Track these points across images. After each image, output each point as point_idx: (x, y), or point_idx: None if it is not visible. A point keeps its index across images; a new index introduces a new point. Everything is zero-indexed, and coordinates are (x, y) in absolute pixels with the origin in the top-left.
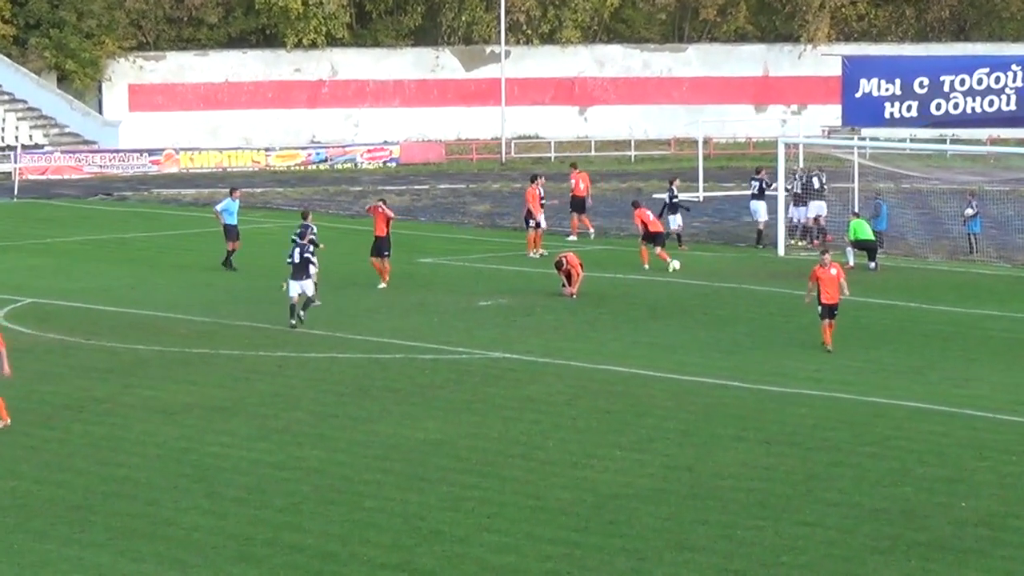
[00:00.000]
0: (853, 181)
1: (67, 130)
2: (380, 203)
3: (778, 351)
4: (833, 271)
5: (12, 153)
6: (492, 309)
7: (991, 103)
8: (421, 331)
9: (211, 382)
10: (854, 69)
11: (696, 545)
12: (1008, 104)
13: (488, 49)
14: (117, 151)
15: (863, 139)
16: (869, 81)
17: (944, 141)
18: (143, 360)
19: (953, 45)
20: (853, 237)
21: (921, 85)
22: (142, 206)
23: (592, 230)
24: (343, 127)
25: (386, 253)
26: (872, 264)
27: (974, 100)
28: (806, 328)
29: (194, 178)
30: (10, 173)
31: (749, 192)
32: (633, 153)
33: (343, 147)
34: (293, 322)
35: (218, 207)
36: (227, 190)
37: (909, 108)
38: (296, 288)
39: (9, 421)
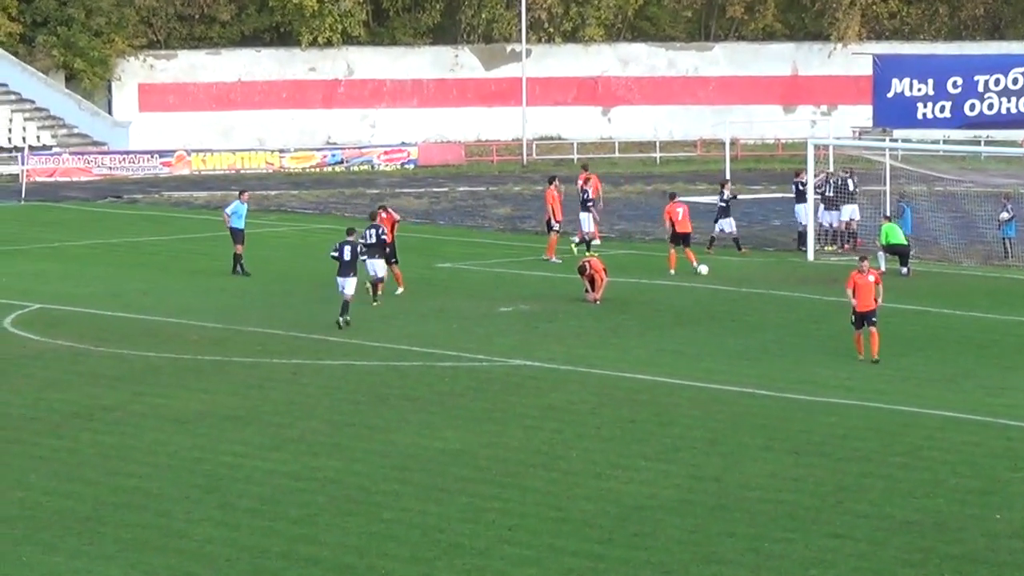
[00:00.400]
0: (885, 184)
1: (75, 131)
2: (382, 209)
3: (808, 359)
4: (871, 278)
5: (19, 154)
6: (513, 315)
7: None
8: (440, 338)
9: (224, 390)
10: (886, 68)
11: (723, 558)
12: None
13: (509, 48)
14: (127, 152)
15: (895, 140)
16: (901, 81)
17: (978, 142)
18: (154, 367)
19: (988, 44)
20: (885, 241)
21: (955, 85)
22: (153, 209)
23: (599, 240)
24: (359, 128)
25: (393, 260)
26: (904, 269)
27: (1009, 100)
28: (837, 335)
29: (206, 180)
30: (17, 175)
31: (793, 195)
32: (658, 155)
33: (359, 148)
34: (345, 318)
35: (227, 210)
36: (237, 192)
37: (942, 109)
38: (370, 268)
39: None
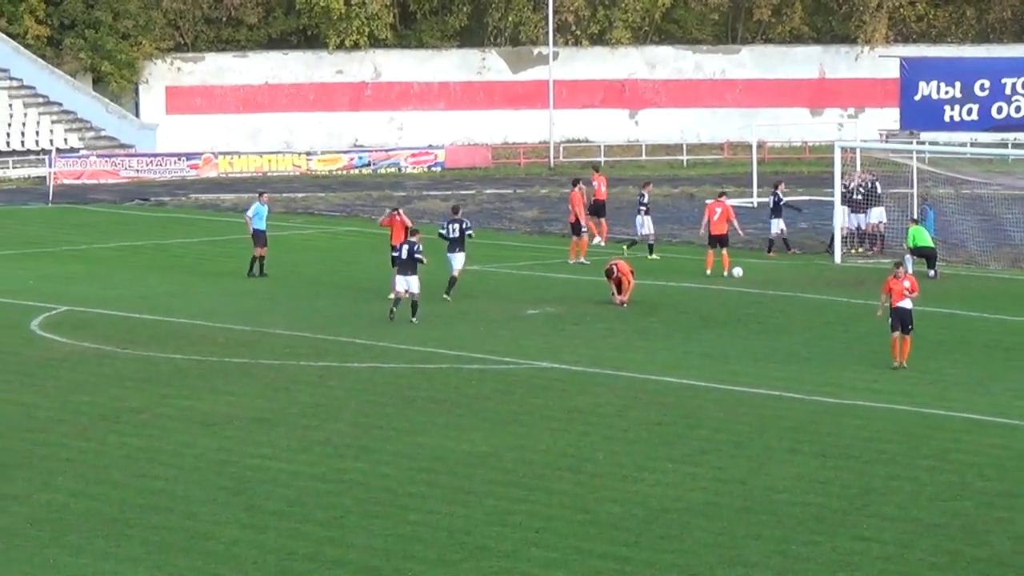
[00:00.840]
0: (912, 187)
1: (103, 133)
2: (397, 212)
3: (834, 361)
4: (906, 283)
5: (47, 157)
6: (540, 318)
7: None
8: (466, 340)
9: (251, 392)
10: (913, 71)
11: (749, 561)
12: None
13: (536, 50)
14: (154, 155)
15: (922, 143)
16: (928, 83)
17: (1006, 145)
18: (181, 370)
19: (1015, 46)
20: (912, 244)
21: (982, 88)
22: (180, 212)
23: (604, 241)
24: (386, 130)
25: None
26: (932, 272)
27: None
28: (863, 338)
29: (233, 183)
30: (45, 178)
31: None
32: (685, 157)
33: (386, 151)
34: (394, 310)
35: (248, 213)
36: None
37: (969, 111)
38: (403, 284)
39: None
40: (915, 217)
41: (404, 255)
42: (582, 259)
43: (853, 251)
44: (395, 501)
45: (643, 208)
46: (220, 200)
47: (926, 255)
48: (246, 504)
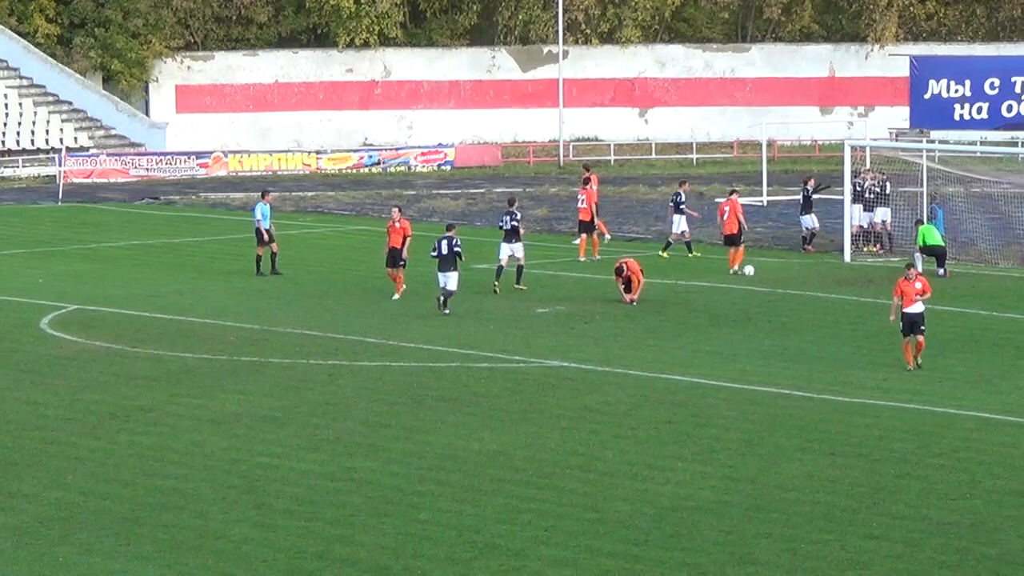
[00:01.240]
0: (921, 185)
1: (113, 132)
2: (397, 210)
3: (844, 360)
4: (918, 284)
5: (57, 156)
6: (549, 316)
7: None
8: (476, 339)
9: (261, 391)
10: (923, 70)
11: (759, 559)
12: None
13: (545, 49)
14: (164, 154)
15: (932, 142)
16: (938, 82)
17: (1016, 144)
18: (191, 368)
19: None
20: (922, 243)
21: (992, 86)
22: (190, 210)
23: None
24: (396, 129)
25: (401, 263)
26: (941, 271)
27: None
28: (873, 336)
29: (243, 181)
30: (55, 177)
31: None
32: (695, 156)
33: (396, 150)
34: (445, 311)
35: (257, 214)
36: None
37: (979, 110)
38: (441, 280)
39: None
40: (921, 218)
41: (444, 250)
42: (595, 256)
43: (866, 248)
44: (405, 500)
45: (677, 206)
46: (230, 199)
47: (936, 253)
48: (256, 502)
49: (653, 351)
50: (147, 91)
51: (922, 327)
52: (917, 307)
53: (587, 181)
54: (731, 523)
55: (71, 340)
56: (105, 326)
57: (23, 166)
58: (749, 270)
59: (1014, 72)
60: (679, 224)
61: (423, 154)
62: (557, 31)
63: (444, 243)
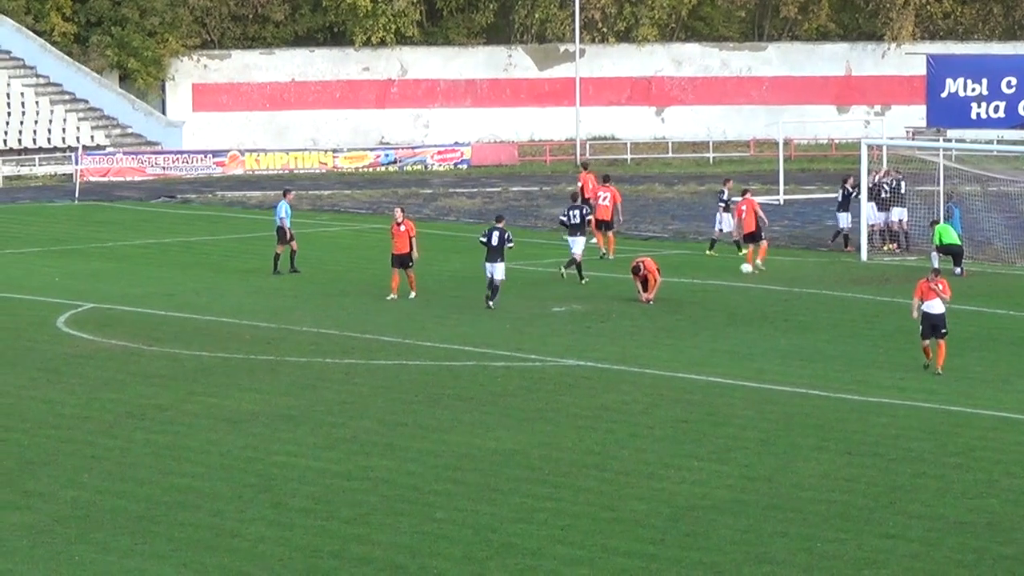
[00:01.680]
0: (938, 184)
1: (129, 131)
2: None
3: (860, 359)
4: (939, 286)
5: (73, 155)
6: (566, 315)
7: None
8: (493, 338)
9: (277, 390)
10: (939, 68)
11: (775, 558)
12: None
13: (562, 48)
14: (180, 152)
15: (948, 140)
16: (955, 81)
17: None
18: (207, 367)
19: None
20: (938, 242)
21: (1009, 85)
22: (206, 209)
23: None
24: (413, 128)
25: (410, 264)
26: (958, 270)
27: None
28: (890, 335)
29: (260, 180)
30: (71, 175)
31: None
32: (711, 155)
33: (413, 148)
34: (490, 303)
35: (280, 212)
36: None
37: (996, 109)
38: (489, 270)
39: None
40: (936, 219)
41: (495, 241)
42: (609, 255)
43: (885, 247)
44: (421, 499)
45: (723, 204)
46: (246, 197)
47: (952, 252)
48: (272, 501)
49: (669, 350)
50: (164, 90)
51: (943, 330)
52: (938, 307)
53: (607, 179)
54: (747, 522)
55: (87, 339)
56: (121, 325)
57: (40, 164)
58: (746, 268)
59: None
60: (725, 222)
61: (439, 153)
62: (574, 29)
63: (496, 234)
